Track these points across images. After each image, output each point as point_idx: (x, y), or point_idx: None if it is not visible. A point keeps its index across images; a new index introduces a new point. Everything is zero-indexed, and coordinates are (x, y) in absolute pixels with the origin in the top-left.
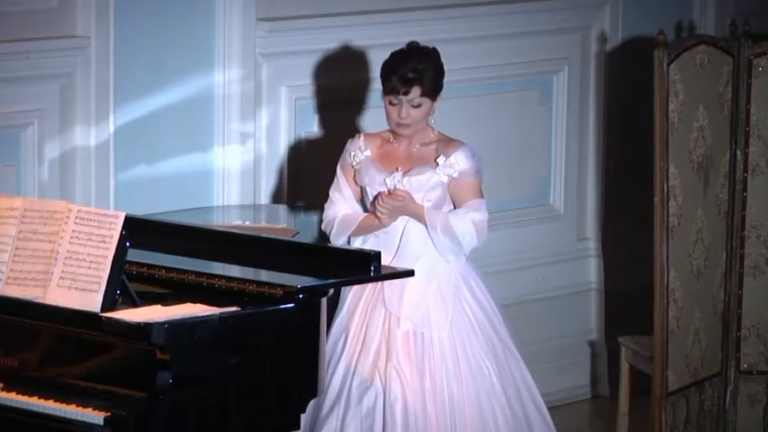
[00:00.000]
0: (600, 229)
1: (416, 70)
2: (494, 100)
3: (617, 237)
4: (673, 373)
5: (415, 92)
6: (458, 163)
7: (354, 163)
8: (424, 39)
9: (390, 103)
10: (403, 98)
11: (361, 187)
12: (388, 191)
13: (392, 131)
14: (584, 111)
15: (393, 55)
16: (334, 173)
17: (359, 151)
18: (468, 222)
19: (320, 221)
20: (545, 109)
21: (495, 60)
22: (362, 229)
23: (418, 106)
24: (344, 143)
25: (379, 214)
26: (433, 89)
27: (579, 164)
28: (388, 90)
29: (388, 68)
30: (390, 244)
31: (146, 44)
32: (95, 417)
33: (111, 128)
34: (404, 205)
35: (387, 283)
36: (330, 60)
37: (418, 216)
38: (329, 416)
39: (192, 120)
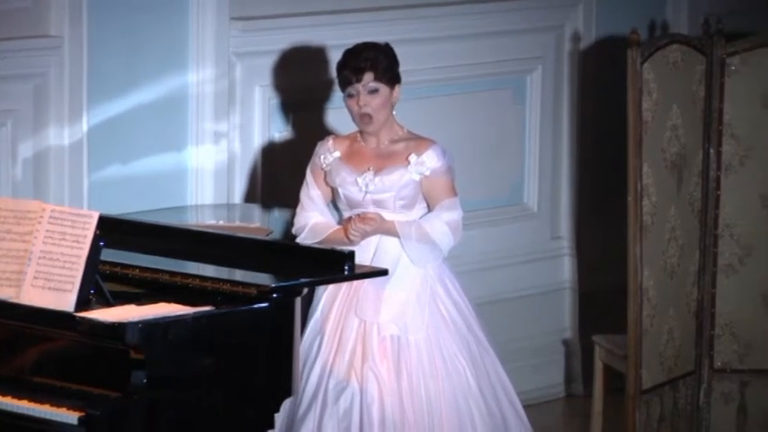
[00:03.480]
0: (574, 228)
1: (366, 59)
2: (467, 99)
3: (591, 235)
4: (647, 372)
5: (368, 77)
6: (429, 161)
7: (324, 165)
8: (398, 38)
9: (349, 96)
10: (358, 86)
11: (332, 188)
12: (359, 216)
13: (360, 132)
14: (558, 110)
15: (344, 52)
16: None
17: (328, 153)
18: (442, 224)
19: (292, 224)
20: (519, 108)
21: (469, 60)
22: (332, 242)
23: (375, 92)
24: (318, 143)
25: (351, 238)
26: (387, 75)
27: (553, 163)
28: (343, 82)
29: (340, 65)
30: (367, 249)
31: (119, 44)
32: (69, 416)
33: (85, 127)
34: (376, 228)
35: (361, 290)
36: (304, 60)
37: (390, 232)
38: (306, 417)
39: (166, 119)
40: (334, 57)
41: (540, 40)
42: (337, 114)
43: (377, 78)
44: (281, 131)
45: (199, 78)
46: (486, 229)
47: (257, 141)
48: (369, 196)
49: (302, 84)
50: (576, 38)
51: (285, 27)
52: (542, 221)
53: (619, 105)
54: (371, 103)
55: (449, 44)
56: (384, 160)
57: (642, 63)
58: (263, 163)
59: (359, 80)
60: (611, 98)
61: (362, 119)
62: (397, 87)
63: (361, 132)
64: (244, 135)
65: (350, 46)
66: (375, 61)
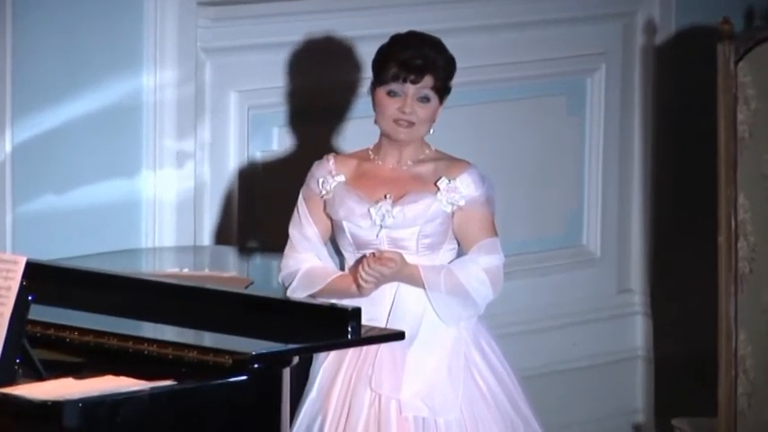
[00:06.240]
0: (647, 278)
1: (429, 57)
2: (509, 109)
3: (669, 288)
4: None
5: (428, 80)
6: (464, 188)
7: (324, 192)
8: (418, 29)
9: (389, 94)
10: (410, 87)
11: (334, 222)
12: (374, 254)
13: (375, 147)
14: (627, 123)
15: (396, 38)
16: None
17: (329, 176)
18: (479, 270)
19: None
20: (576, 121)
21: (511, 58)
22: (333, 292)
23: (426, 101)
24: (315, 164)
25: (362, 284)
26: (442, 85)
27: (620, 193)
28: (390, 77)
29: (389, 52)
30: (381, 303)
31: (54, 40)
32: None
33: (8, 147)
34: (395, 272)
35: (374, 356)
36: (294, 58)
37: (413, 279)
38: None
39: (114, 136)
40: (335, 53)
41: (603, 32)
42: (339, 128)
43: (435, 87)
44: (263, 150)
45: (157, 82)
46: (534, 279)
47: (233, 164)
48: (385, 232)
49: (292, 89)
50: (650, 29)
51: (268, 15)
52: (606, 269)
53: (707, 117)
54: (419, 113)
55: (485, 38)
56: (405, 185)
57: (737, 62)
58: (240, 192)
59: (415, 82)
60: (696, 108)
61: (398, 123)
62: (444, 103)
63: (376, 147)
64: (215, 156)
65: (383, 38)
66: (436, 64)
